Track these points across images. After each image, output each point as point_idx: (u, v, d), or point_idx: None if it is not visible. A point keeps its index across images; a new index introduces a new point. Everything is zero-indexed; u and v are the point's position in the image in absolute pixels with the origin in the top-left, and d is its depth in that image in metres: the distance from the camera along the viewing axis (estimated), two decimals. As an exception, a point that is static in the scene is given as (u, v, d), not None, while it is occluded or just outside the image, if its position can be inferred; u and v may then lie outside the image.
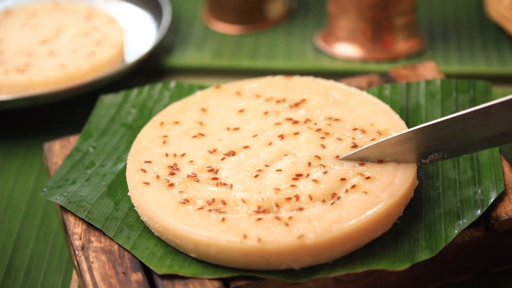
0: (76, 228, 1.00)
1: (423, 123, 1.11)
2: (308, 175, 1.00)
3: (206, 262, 0.94)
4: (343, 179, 0.98)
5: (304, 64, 1.44)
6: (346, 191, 0.96)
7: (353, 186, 0.97)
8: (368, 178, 0.98)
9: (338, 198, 0.95)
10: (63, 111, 1.36)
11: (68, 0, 1.56)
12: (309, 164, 1.01)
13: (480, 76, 1.37)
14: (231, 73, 1.44)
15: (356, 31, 1.43)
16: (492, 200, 0.99)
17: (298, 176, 1.00)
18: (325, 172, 0.99)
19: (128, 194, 1.02)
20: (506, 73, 1.39)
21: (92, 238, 0.99)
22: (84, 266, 0.96)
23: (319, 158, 1.02)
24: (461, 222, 0.97)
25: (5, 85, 1.34)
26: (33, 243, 1.13)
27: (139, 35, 1.49)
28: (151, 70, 1.45)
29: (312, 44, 1.49)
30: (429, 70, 1.22)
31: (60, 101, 1.35)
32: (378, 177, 0.98)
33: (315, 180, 0.98)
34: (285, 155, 1.03)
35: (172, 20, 1.54)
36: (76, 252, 0.98)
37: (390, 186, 0.97)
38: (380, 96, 1.16)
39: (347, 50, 1.44)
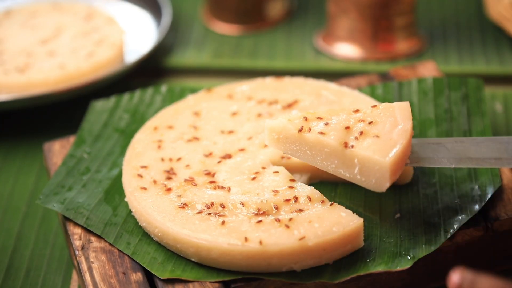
0: (76, 228, 1.00)
1: (416, 120, 1.12)
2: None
3: (207, 265, 0.94)
4: (347, 128, 0.96)
5: (304, 64, 1.44)
6: (356, 138, 0.95)
7: (361, 133, 0.95)
8: (370, 123, 0.96)
9: (352, 146, 0.94)
10: (63, 111, 1.36)
11: (68, 0, 1.56)
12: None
13: (480, 76, 1.37)
14: (231, 73, 1.44)
15: (356, 31, 1.43)
16: (489, 195, 0.99)
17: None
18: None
19: (126, 199, 1.02)
20: (505, 73, 1.39)
21: (92, 238, 0.99)
22: (84, 266, 0.96)
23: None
24: (460, 217, 0.97)
25: (5, 85, 1.34)
26: (33, 243, 1.13)
27: (139, 35, 1.49)
28: (151, 70, 1.45)
29: (312, 44, 1.49)
30: (429, 70, 1.22)
31: (60, 102, 1.35)
32: (380, 120, 0.97)
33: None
34: (282, 156, 1.03)
35: (172, 20, 1.54)
36: (76, 252, 0.98)
37: (397, 125, 0.96)
38: (373, 95, 1.17)
39: (347, 50, 1.44)
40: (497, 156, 0.96)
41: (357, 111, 0.97)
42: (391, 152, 0.92)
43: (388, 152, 0.92)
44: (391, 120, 0.96)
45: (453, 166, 0.96)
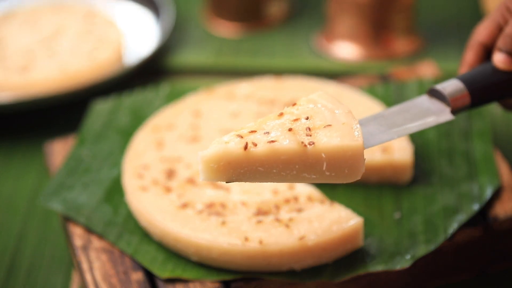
0: (77, 228, 1.01)
1: None
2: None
3: (207, 265, 0.95)
4: (290, 130, 0.85)
5: (303, 64, 1.44)
6: (308, 135, 0.85)
7: (309, 129, 0.85)
8: (307, 118, 0.87)
9: (311, 143, 0.83)
10: (63, 111, 1.36)
11: (68, 1, 1.56)
12: None
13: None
14: (231, 73, 1.44)
15: (356, 31, 1.43)
16: (489, 195, 0.99)
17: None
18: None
19: (126, 199, 1.02)
20: (505, 73, 1.39)
21: (93, 238, 0.99)
22: (85, 266, 0.96)
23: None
24: (459, 217, 0.97)
25: (5, 85, 1.34)
26: (34, 243, 1.13)
27: (139, 36, 1.49)
28: (151, 71, 1.45)
29: (312, 44, 1.49)
30: (428, 70, 1.22)
31: (60, 102, 1.35)
32: (313, 113, 0.87)
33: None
34: None
35: (173, 20, 1.54)
36: (77, 252, 0.98)
37: (334, 111, 0.87)
38: (373, 95, 1.16)
39: (347, 50, 1.44)
40: (421, 116, 0.92)
41: (281, 114, 0.88)
42: (356, 133, 0.84)
43: (353, 135, 0.84)
44: (323, 109, 0.87)
45: (396, 137, 0.89)
